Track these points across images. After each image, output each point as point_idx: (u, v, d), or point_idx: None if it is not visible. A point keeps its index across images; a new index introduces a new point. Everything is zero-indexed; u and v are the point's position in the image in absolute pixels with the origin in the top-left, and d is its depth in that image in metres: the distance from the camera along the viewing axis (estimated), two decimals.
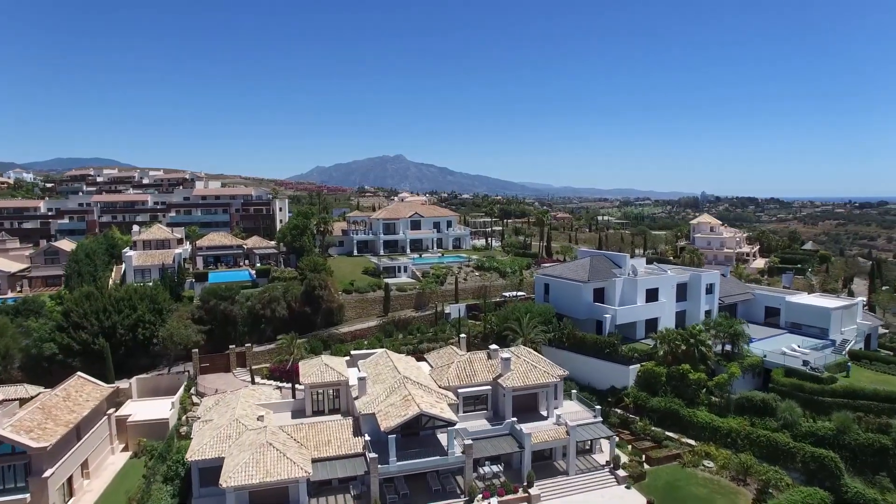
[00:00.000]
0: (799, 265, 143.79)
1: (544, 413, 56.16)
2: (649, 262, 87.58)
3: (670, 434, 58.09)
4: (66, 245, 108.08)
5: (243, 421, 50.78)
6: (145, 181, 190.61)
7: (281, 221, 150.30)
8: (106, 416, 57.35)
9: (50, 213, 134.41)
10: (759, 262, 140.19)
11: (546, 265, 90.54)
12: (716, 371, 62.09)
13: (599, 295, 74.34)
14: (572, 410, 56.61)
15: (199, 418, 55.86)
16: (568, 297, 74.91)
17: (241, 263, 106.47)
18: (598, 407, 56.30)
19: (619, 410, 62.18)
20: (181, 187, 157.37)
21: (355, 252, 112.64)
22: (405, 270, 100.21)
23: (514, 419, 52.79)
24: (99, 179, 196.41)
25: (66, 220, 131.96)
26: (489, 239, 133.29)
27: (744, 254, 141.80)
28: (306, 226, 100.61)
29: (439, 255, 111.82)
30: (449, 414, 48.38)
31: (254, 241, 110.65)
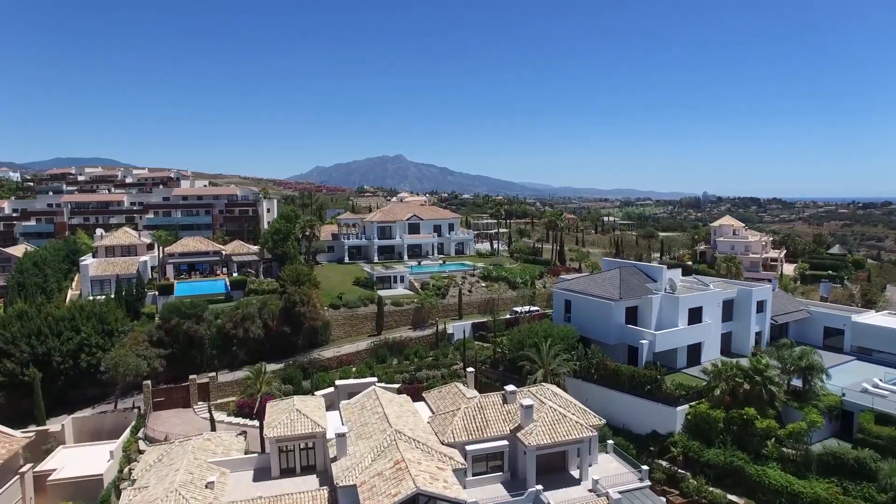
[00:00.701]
0: (829, 271, 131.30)
1: (576, 474, 43.38)
2: (685, 273, 74.82)
3: (733, 498, 45.37)
4: (22, 250, 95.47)
5: (185, 491, 38.02)
6: (129, 180, 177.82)
7: (269, 224, 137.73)
8: (18, 476, 44.61)
9: (15, 215, 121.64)
10: (788, 269, 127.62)
11: (566, 276, 77.68)
12: (783, 414, 49.43)
13: (632, 315, 61.63)
14: (611, 470, 43.83)
15: (132, 482, 43.24)
16: (594, 317, 62.16)
17: (219, 272, 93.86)
18: (645, 468, 43.56)
19: (664, 463, 49.46)
20: (161, 186, 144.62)
21: (346, 259, 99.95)
22: (402, 281, 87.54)
23: (539, 487, 40.04)
24: (80, 178, 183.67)
25: (32, 223, 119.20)
26: (494, 243, 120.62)
27: (769, 259, 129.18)
28: (290, 230, 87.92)
29: (440, 262, 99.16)
30: (455, 490, 35.60)
31: (233, 247, 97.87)
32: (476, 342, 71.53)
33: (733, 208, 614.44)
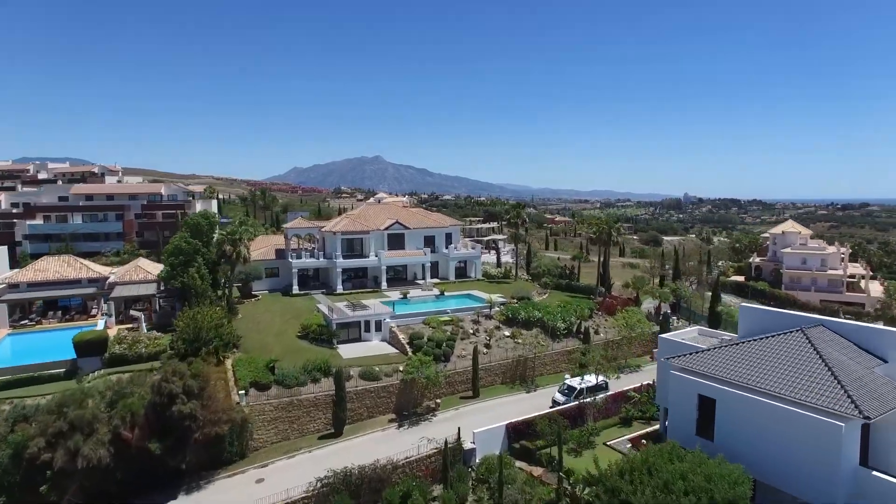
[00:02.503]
0: None
1: None
2: (738, 291, 41.58)
3: None
4: None
5: None
6: (42, 175, 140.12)
7: None
8: None
9: None
10: (875, 288, 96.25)
11: (672, 337, 41.65)
12: None
13: (863, 443, 28.47)
14: None
15: None
16: (786, 443, 28.65)
17: (96, 311, 59.13)
18: None
19: None
20: (60, 183, 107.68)
21: (296, 288, 65.02)
22: (378, 329, 53.19)
23: None
24: None
25: None
26: (504, 256, 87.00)
27: (850, 276, 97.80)
28: (197, 249, 53.16)
29: (436, 294, 64.76)
30: None
31: (125, 271, 62.77)
32: (517, 462, 37.53)
33: (714, 210, 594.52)
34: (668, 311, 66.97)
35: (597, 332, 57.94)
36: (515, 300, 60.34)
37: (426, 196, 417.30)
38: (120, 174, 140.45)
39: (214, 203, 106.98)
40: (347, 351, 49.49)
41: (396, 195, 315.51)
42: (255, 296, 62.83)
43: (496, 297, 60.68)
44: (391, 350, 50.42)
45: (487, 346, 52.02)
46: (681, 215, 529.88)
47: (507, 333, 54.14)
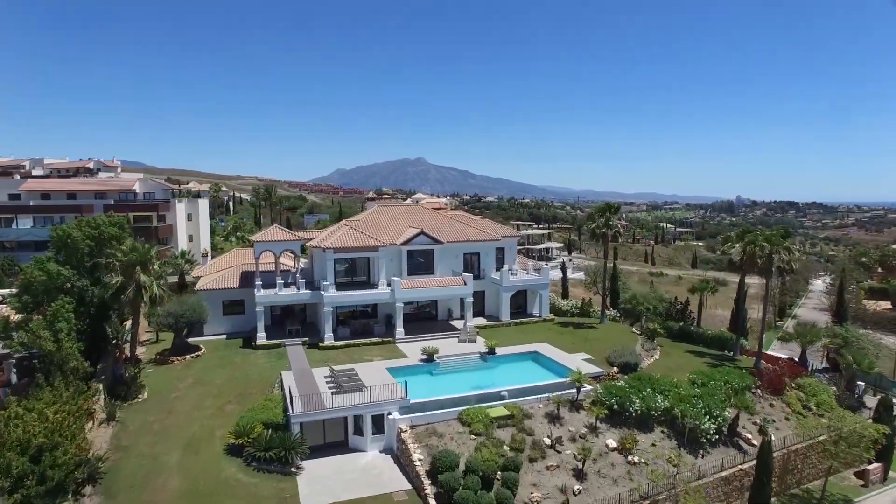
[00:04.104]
0: None
1: None
2: None
3: None
4: None
5: None
6: (37, 172, 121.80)
7: (190, 239, 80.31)
8: None
9: None
10: None
11: None
12: None
13: None
14: None
15: None
16: None
17: None
18: None
19: None
20: (22, 178, 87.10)
21: (261, 336, 40.96)
22: (377, 430, 28.74)
23: None
24: None
25: None
26: (570, 269, 61.05)
27: None
28: (64, 283, 29.85)
29: (481, 349, 39.58)
30: None
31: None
32: None
33: (770, 213, 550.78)
34: (864, 385, 40.15)
35: (764, 432, 31.87)
36: (616, 368, 34.81)
37: (468, 197, 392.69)
38: (118, 170, 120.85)
39: (203, 203, 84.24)
40: (316, 480, 25.17)
41: (437, 196, 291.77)
42: (197, 348, 39.15)
43: (583, 363, 35.22)
44: (397, 483, 25.73)
45: (579, 474, 26.77)
46: (733, 219, 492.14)
47: (611, 444, 28.72)
